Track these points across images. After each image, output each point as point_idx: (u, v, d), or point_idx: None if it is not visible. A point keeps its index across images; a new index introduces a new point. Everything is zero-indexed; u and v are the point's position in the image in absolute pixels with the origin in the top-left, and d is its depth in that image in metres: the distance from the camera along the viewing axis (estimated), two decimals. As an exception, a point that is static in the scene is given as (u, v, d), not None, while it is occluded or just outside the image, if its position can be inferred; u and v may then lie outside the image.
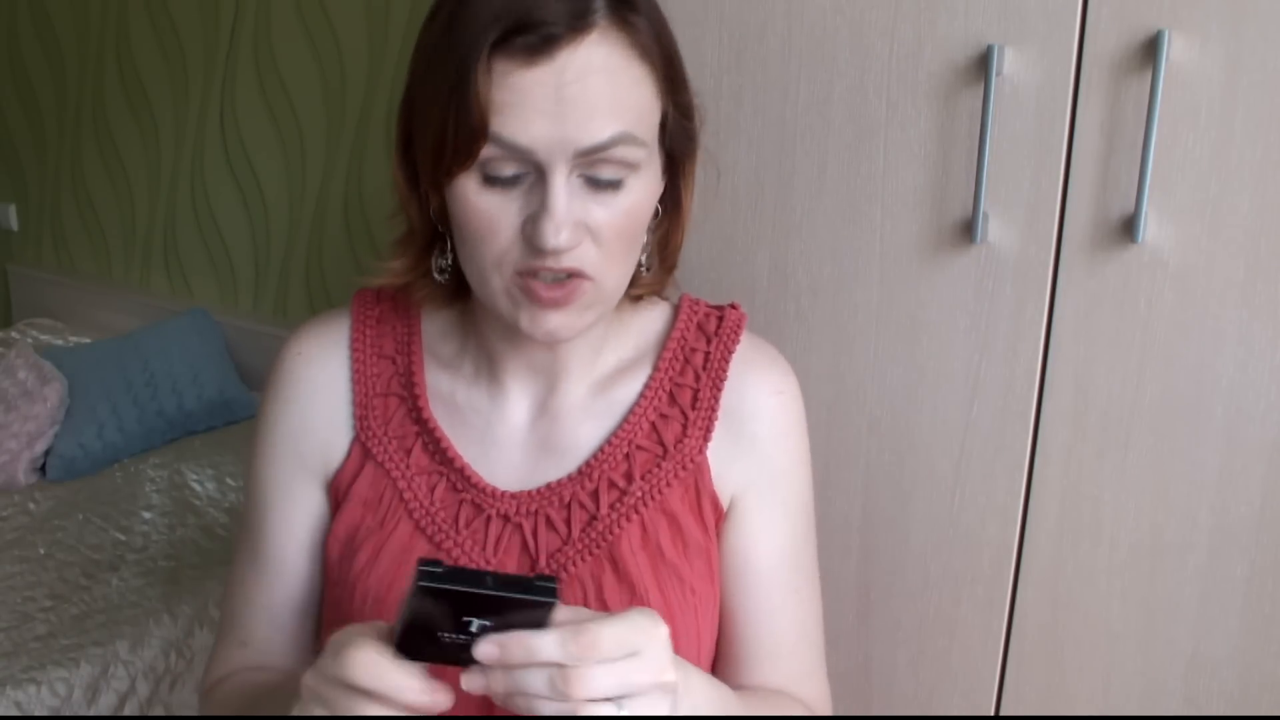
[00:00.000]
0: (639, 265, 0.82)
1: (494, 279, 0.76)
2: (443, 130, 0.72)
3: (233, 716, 0.87)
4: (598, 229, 0.75)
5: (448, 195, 0.76)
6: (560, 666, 0.61)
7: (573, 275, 0.75)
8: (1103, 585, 0.97)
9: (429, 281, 0.84)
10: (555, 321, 0.76)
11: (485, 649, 0.61)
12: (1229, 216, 0.86)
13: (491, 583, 0.60)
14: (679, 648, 0.82)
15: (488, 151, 0.72)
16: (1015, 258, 0.95)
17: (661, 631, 0.65)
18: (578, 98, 0.71)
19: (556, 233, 0.72)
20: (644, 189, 0.77)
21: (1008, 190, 0.94)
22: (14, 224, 3.29)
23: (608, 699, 0.62)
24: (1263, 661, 0.91)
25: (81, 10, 2.92)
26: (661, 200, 0.82)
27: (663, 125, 0.78)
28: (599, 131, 0.71)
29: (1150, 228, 0.89)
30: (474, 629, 0.61)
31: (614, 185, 0.74)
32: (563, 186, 0.72)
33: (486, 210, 0.74)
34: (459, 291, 0.86)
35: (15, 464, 2.33)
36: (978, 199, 0.94)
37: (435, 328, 0.90)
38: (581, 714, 0.62)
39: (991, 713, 1.04)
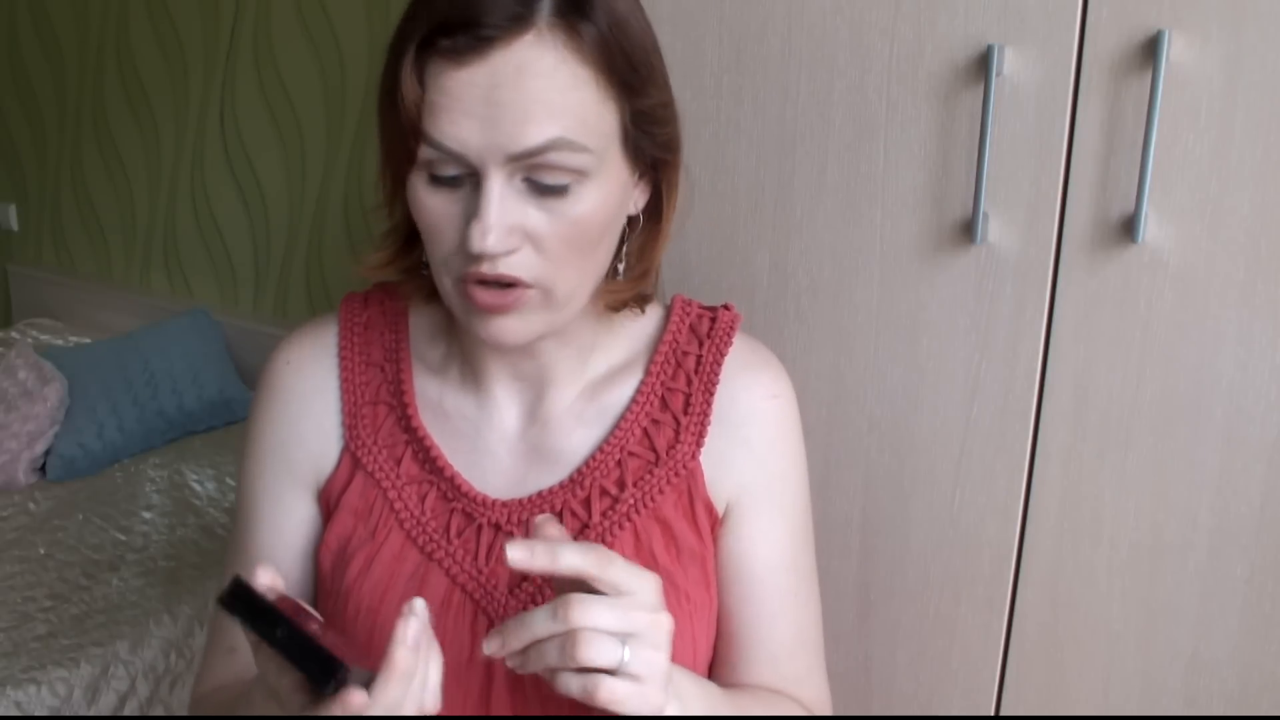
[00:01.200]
0: (615, 271, 0.81)
1: (444, 280, 0.76)
2: (387, 132, 0.73)
3: (232, 716, 0.87)
4: (539, 236, 0.73)
5: (407, 193, 0.75)
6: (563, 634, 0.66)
7: (514, 284, 0.74)
8: (1103, 585, 0.97)
9: (414, 276, 0.84)
10: (499, 327, 0.75)
11: (492, 644, 0.67)
12: (1229, 216, 0.86)
13: (281, 635, 0.62)
14: (675, 656, 0.82)
15: (424, 153, 0.71)
16: (1015, 258, 0.95)
17: (650, 581, 0.69)
18: (509, 101, 0.69)
19: (483, 237, 0.70)
20: (596, 196, 0.74)
21: (1008, 190, 0.94)
22: (14, 224, 3.29)
23: (613, 637, 0.66)
24: (1263, 661, 0.91)
25: (81, 10, 2.93)
26: (645, 209, 0.82)
27: (624, 131, 0.76)
28: (532, 136, 0.70)
29: (1150, 228, 0.89)
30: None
31: (558, 191, 0.72)
32: (496, 191, 0.71)
33: (433, 210, 0.73)
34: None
35: (15, 464, 2.33)
36: (978, 199, 0.94)
37: (422, 332, 0.89)
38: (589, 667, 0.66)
39: (991, 713, 1.04)
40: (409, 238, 0.82)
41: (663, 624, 0.68)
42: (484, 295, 0.74)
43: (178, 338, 2.64)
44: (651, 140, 0.78)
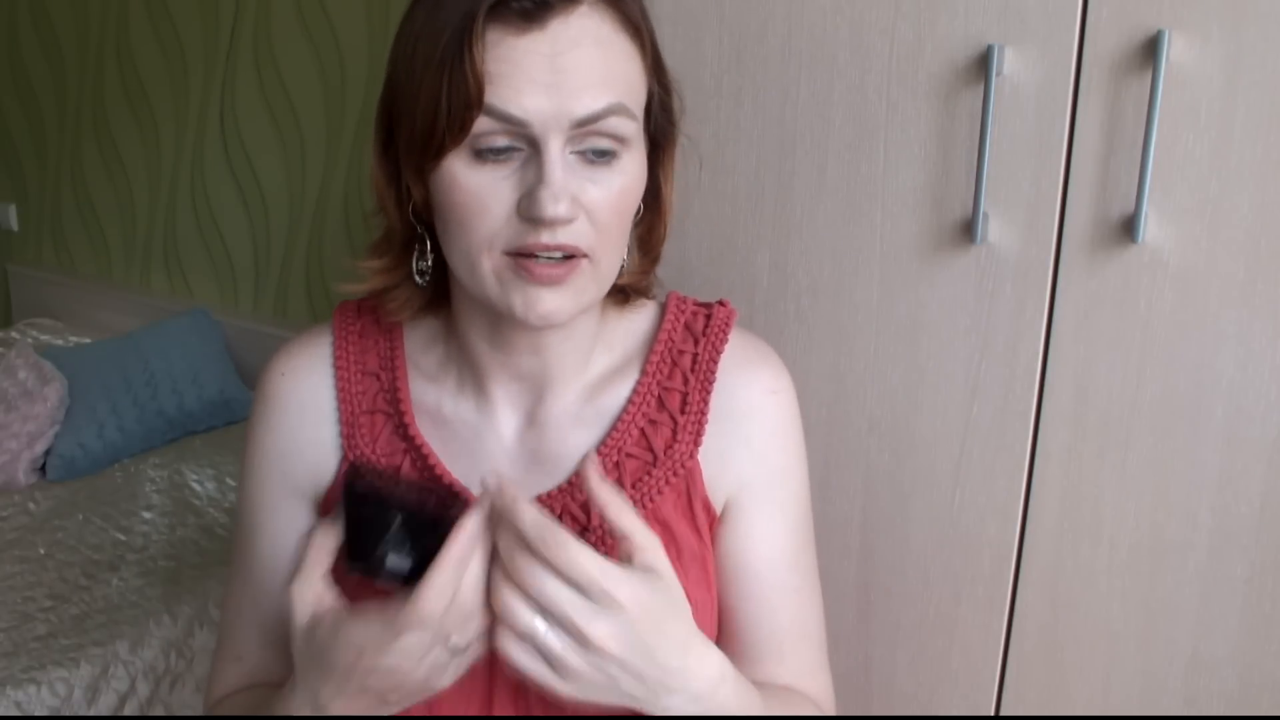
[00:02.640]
0: (622, 260, 0.82)
1: (484, 261, 0.75)
2: (434, 107, 0.71)
3: (238, 716, 0.87)
4: (592, 206, 0.74)
5: (435, 181, 0.74)
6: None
7: (570, 256, 0.74)
8: (1103, 585, 0.97)
9: (407, 286, 0.83)
10: (551, 303, 0.75)
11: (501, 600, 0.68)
12: (1229, 216, 0.86)
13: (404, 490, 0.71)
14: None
15: (480, 125, 0.71)
16: (1015, 258, 0.95)
17: (632, 600, 0.69)
18: (571, 67, 0.70)
19: (555, 201, 0.71)
20: (634, 168, 0.76)
21: (1008, 190, 0.94)
22: (14, 224, 3.29)
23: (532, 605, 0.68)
24: (1263, 661, 0.91)
25: (81, 10, 2.93)
26: (644, 196, 0.82)
27: (649, 106, 0.78)
28: (594, 101, 0.71)
29: (1150, 228, 0.89)
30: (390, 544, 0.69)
31: (607, 159, 0.74)
32: (559, 158, 0.72)
33: (477, 188, 0.73)
34: (436, 299, 0.85)
35: (15, 464, 2.33)
36: (978, 199, 0.94)
37: (417, 339, 0.88)
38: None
39: (991, 713, 1.04)
40: (406, 244, 0.82)
41: (595, 632, 0.67)
42: (541, 268, 0.73)
43: (178, 338, 2.63)
44: (666, 116, 0.81)
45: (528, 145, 0.72)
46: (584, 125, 0.72)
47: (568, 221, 0.72)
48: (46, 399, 2.43)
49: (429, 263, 0.81)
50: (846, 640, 1.09)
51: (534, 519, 0.67)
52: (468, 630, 0.69)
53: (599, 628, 0.67)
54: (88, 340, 2.88)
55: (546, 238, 0.72)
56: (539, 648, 0.67)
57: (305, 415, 0.87)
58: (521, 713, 0.81)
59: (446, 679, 0.71)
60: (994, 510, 1.00)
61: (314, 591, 0.73)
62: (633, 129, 0.75)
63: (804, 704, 0.88)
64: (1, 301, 3.36)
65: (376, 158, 0.80)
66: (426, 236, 0.80)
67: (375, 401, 0.87)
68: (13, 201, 3.28)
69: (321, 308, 2.63)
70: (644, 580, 0.69)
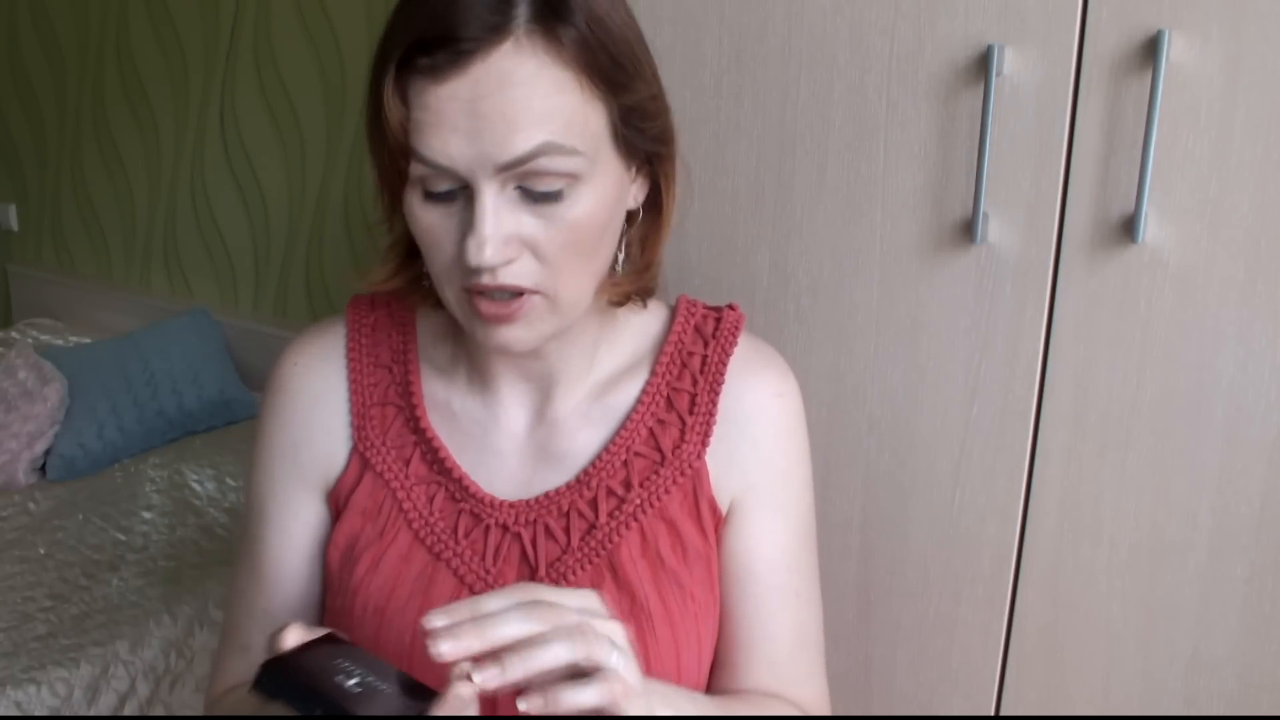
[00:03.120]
0: (614, 267, 0.81)
1: (447, 292, 0.76)
2: (378, 151, 0.73)
3: (236, 716, 0.87)
4: (537, 243, 0.73)
5: (404, 208, 0.75)
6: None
7: (519, 292, 0.74)
8: (1103, 585, 0.97)
9: (417, 287, 0.84)
10: (506, 335, 0.76)
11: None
12: (1229, 216, 0.86)
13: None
14: (680, 655, 0.82)
15: (415, 170, 0.71)
16: (1015, 258, 0.95)
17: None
18: (492, 112, 0.69)
19: (480, 250, 0.71)
20: (592, 198, 0.74)
21: (1008, 190, 0.94)
22: (14, 224, 3.29)
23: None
24: (1263, 661, 0.91)
25: (81, 10, 2.93)
26: (644, 202, 0.82)
27: (614, 130, 0.75)
28: (519, 144, 0.69)
29: (1150, 228, 0.89)
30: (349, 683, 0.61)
31: (552, 197, 0.72)
32: (490, 203, 0.71)
33: (430, 225, 0.74)
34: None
35: (15, 464, 2.33)
36: (978, 199, 0.94)
37: (429, 333, 0.89)
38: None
39: (991, 713, 1.04)
40: (410, 250, 0.83)
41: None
42: (488, 307, 0.74)
43: (178, 338, 2.63)
44: (643, 135, 0.78)
45: (467, 186, 0.72)
46: (512, 168, 0.70)
47: (505, 263, 0.72)
48: (46, 399, 2.43)
49: None
50: (846, 640, 1.09)
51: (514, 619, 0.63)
52: None
53: (620, 639, 0.66)
54: (88, 340, 2.88)
55: (487, 279, 0.72)
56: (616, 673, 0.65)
57: (317, 406, 0.88)
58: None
59: None
60: (994, 510, 1.00)
61: None
62: (575, 163, 0.72)
63: (782, 707, 0.87)
64: (1, 301, 3.36)
65: (375, 173, 0.81)
66: None
67: (387, 394, 0.88)
68: (13, 201, 3.28)
69: (321, 308, 2.63)
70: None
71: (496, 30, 0.69)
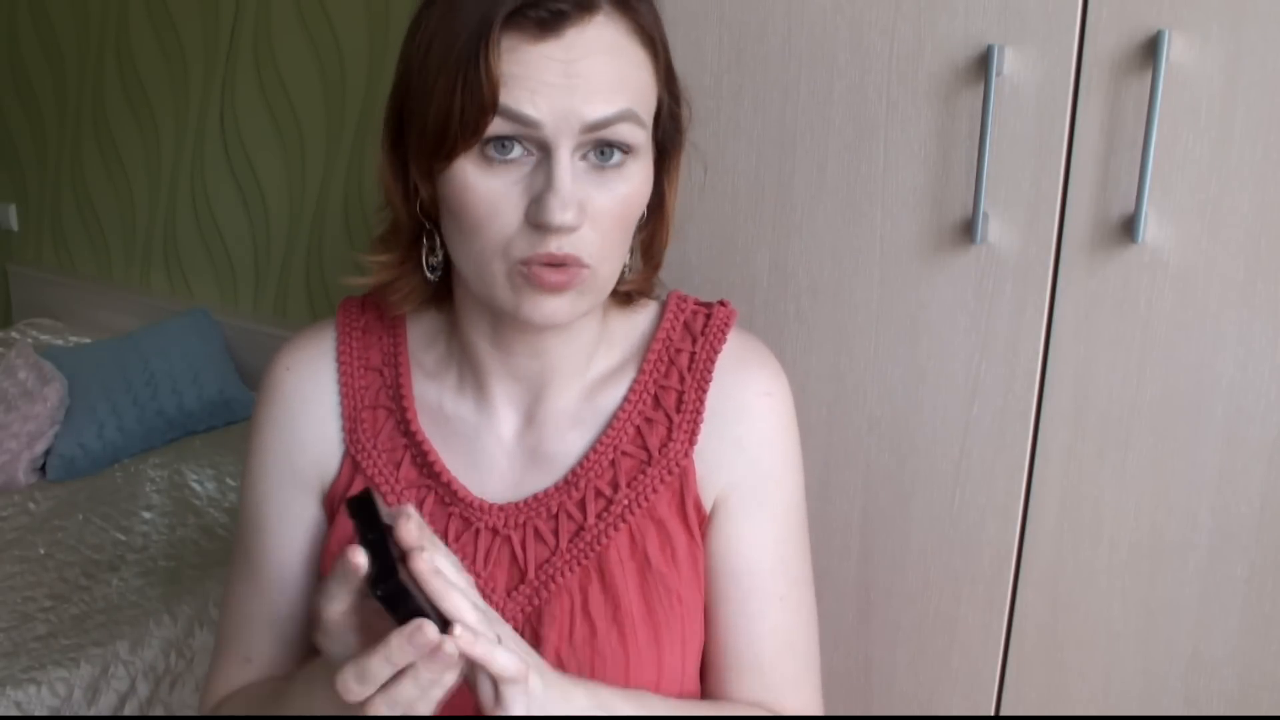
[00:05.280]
0: (622, 271, 0.82)
1: (495, 264, 0.75)
2: (448, 107, 0.72)
3: (240, 716, 0.87)
4: (597, 214, 0.75)
5: (445, 182, 0.75)
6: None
7: (572, 263, 0.74)
8: (1103, 585, 0.97)
9: (413, 279, 0.83)
10: (553, 305, 0.76)
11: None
12: (1229, 216, 0.86)
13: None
14: (662, 657, 0.82)
15: (493, 127, 0.72)
16: (1015, 258, 0.95)
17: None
18: (585, 74, 0.72)
19: (564, 209, 0.72)
20: (640, 176, 0.77)
21: (1008, 190, 0.94)
22: (14, 224, 3.29)
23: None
24: (1263, 661, 0.91)
25: (81, 10, 2.92)
26: (650, 202, 0.82)
27: (657, 115, 0.79)
28: (606, 106, 0.72)
29: (1150, 228, 0.89)
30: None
31: (616, 165, 0.75)
32: (568, 164, 0.73)
33: (488, 193, 0.73)
34: (438, 293, 0.85)
35: (15, 464, 2.33)
36: (978, 199, 0.94)
37: (420, 336, 0.89)
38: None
39: (991, 713, 1.04)
40: (412, 239, 0.82)
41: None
42: (550, 274, 0.74)
43: (178, 338, 2.63)
44: (674, 125, 0.81)
45: (538, 149, 0.73)
46: (594, 130, 0.73)
47: (574, 228, 0.73)
48: (46, 399, 2.43)
49: (440, 258, 0.82)
50: (846, 640, 1.09)
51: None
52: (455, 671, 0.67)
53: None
54: (88, 340, 2.88)
55: (554, 247, 0.73)
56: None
57: (309, 409, 0.88)
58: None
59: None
60: (994, 510, 1.00)
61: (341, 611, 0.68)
62: (641, 136, 0.75)
63: (744, 710, 0.85)
64: (1, 301, 3.36)
65: (385, 153, 0.80)
66: (436, 232, 0.80)
67: (378, 397, 0.87)
68: (13, 201, 3.28)
69: (321, 308, 2.63)
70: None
71: (588, 1, 0.73)
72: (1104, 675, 0.98)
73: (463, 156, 0.73)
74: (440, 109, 0.72)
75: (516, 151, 0.73)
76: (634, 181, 0.76)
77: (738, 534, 0.85)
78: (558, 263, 0.74)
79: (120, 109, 2.92)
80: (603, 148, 0.74)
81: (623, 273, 0.82)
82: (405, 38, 0.77)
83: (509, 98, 0.71)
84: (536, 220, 0.72)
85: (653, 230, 0.85)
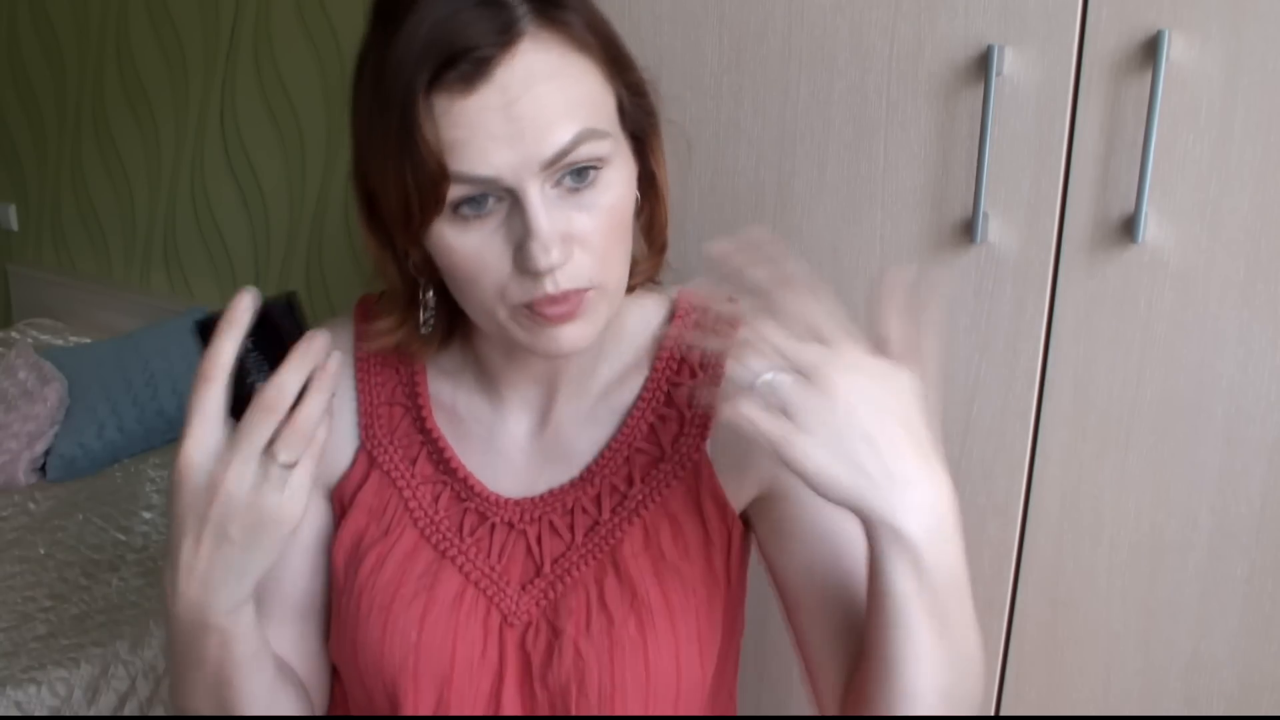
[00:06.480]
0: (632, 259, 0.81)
1: (498, 311, 0.75)
2: (402, 185, 0.71)
3: (234, 716, 0.87)
4: (585, 237, 0.73)
5: (428, 246, 0.74)
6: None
7: (573, 294, 0.73)
8: (1103, 585, 0.97)
9: (415, 335, 0.83)
10: (568, 334, 0.75)
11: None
12: (1229, 216, 0.86)
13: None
14: (680, 648, 0.82)
15: (454, 191, 0.70)
16: (1015, 258, 0.95)
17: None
18: (528, 113, 0.69)
19: (546, 252, 0.70)
20: (620, 180, 0.75)
21: (1008, 190, 0.94)
22: (14, 224, 3.29)
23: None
24: (1263, 661, 0.91)
25: (81, 10, 2.93)
26: (637, 183, 0.82)
27: (620, 110, 0.76)
28: (559, 138, 0.69)
29: (1150, 228, 0.89)
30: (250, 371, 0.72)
31: (589, 185, 0.72)
32: (540, 204, 0.70)
33: (472, 251, 0.72)
34: (452, 326, 0.85)
35: (15, 464, 2.33)
36: (978, 199, 0.94)
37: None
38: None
39: (991, 713, 1.04)
40: (410, 299, 0.82)
41: (832, 374, 0.67)
42: (555, 309, 0.73)
43: (178, 338, 2.63)
44: (641, 111, 0.78)
45: (508, 195, 0.71)
46: (555, 162, 0.70)
47: (563, 264, 0.72)
48: (46, 399, 2.43)
49: (432, 310, 0.82)
50: (846, 640, 1.09)
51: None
52: (295, 446, 0.69)
53: (836, 373, 0.67)
54: (88, 340, 2.88)
55: (550, 287, 0.72)
56: (774, 397, 0.66)
57: None
58: (529, 710, 0.81)
59: (285, 505, 0.70)
60: (994, 510, 1.00)
61: (206, 451, 0.71)
62: (607, 146, 0.73)
63: None
64: (1, 301, 3.36)
65: (364, 226, 0.80)
66: (430, 286, 0.80)
67: (394, 394, 0.88)
68: (13, 201, 3.28)
69: (321, 308, 2.62)
70: (891, 364, 0.71)
71: (507, 31, 0.68)
72: (1104, 675, 0.98)
73: (436, 221, 0.72)
74: (397, 188, 0.71)
75: (489, 204, 0.71)
76: (614, 189, 0.74)
77: (804, 498, 0.81)
78: (559, 299, 0.73)
79: (120, 109, 2.92)
80: (571, 172, 0.72)
81: (633, 266, 0.82)
82: (351, 111, 0.76)
83: (459, 163, 0.69)
84: (524, 267, 0.71)
85: (650, 212, 0.84)
